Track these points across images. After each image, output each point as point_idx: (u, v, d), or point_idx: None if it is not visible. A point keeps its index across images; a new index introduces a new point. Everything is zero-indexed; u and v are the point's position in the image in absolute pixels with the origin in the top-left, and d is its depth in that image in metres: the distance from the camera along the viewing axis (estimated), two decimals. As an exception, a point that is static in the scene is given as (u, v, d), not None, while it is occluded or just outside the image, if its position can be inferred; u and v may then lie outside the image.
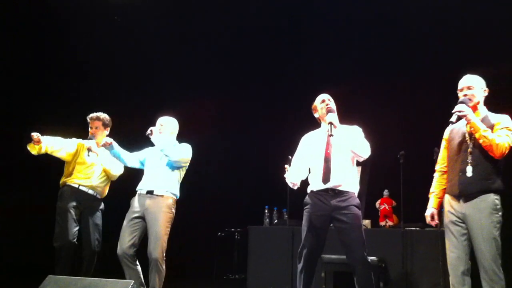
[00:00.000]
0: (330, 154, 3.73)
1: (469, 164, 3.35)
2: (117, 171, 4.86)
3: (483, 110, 3.49)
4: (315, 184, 3.76)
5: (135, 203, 4.36)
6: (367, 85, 6.51)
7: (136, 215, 4.30)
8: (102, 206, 4.88)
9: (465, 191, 3.36)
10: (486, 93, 3.51)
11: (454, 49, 6.28)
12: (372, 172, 5.73)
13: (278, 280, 5.48)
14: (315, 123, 4.08)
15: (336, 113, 3.78)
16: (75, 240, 4.60)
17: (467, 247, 3.35)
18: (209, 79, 7.47)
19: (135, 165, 4.60)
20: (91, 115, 4.86)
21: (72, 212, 4.62)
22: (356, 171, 3.86)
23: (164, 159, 4.39)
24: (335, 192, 3.68)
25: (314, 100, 3.99)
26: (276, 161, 6.41)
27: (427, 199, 3.67)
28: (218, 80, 7.52)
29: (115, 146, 4.47)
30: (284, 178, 3.84)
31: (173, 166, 4.41)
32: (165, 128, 4.53)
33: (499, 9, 5.81)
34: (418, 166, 5.63)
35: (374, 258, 4.74)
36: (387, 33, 6.74)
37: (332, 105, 3.84)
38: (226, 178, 7.34)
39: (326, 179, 3.67)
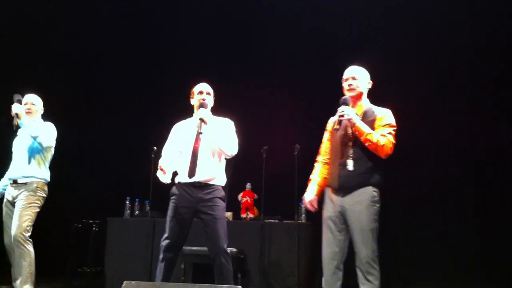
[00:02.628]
0: (198, 148, 3.73)
1: (350, 158, 3.33)
2: None
3: (366, 102, 3.50)
4: (182, 177, 3.76)
5: (6, 193, 4.42)
6: (236, 79, 6.60)
7: (9, 204, 4.38)
8: None
9: (344, 185, 3.34)
10: (370, 85, 3.52)
11: (318, 50, 6.60)
12: (235, 165, 5.81)
13: (136, 272, 5.35)
14: (177, 113, 4.04)
15: (209, 108, 3.77)
16: None
17: (343, 242, 3.35)
18: (72, 65, 7.09)
19: None
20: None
21: None
22: (224, 166, 3.88)
23: (27, 142, 4.24)
24: (201, 185, 3.70)
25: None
26: (138, 151, 6.28)
27: (287, 193, 3.76)
28: (80, 66, 7.16)
29: None
30: (151, 171, 3.76)
31: (41, 150, 4.30)
32: (36, 107, 4.39)
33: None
34: (280, 161, 5.84)
35: (233, 249, 4.82)
36: (257, 29, 6.90)
37: (209, 99, 3.83)
38: (85, 167, 6.99)
39: (191, 174, 3.70)
